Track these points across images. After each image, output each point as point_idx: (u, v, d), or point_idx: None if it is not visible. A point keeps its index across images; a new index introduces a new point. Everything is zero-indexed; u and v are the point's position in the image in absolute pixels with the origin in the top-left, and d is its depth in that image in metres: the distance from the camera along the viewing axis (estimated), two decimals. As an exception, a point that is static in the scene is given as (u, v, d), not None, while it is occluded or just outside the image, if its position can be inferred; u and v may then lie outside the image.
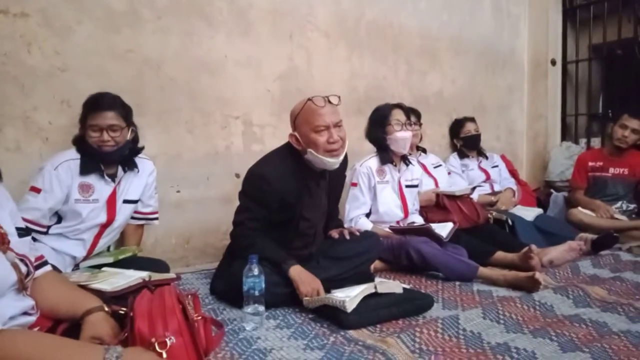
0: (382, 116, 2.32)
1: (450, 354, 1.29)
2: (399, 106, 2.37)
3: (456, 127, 3.30)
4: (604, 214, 2.74)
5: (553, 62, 3.88)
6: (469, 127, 3.23)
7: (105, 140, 1.70)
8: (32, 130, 1.96)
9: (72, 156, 1.75)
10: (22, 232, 1.16)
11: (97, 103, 1.72)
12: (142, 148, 1.90)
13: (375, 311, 1.50)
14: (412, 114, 2.68)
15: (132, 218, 1.95)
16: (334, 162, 1.72)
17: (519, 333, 1.43)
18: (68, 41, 2.01)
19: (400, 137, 2.27)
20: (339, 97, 1.72)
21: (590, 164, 3.00)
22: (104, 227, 1.80)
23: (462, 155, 3.25)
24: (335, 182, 1.93)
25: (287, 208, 1.73)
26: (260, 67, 2.57)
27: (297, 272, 1.63)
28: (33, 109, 1.95)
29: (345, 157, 1.88)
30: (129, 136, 1.79)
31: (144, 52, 2.21)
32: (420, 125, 2.89)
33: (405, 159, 2.40)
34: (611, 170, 2.91)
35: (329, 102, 1.69)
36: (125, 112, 1.78)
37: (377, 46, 3.05)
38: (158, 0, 2.24)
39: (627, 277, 2.00)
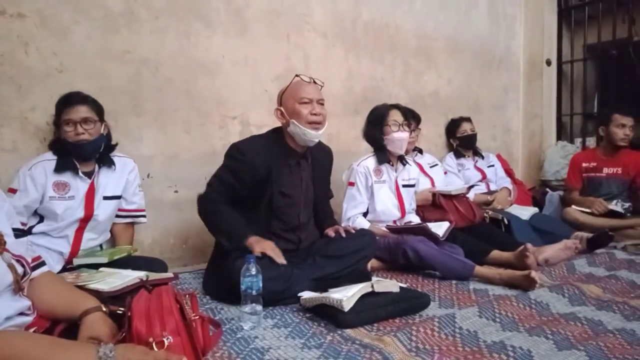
0: (379, 116, 2.33)
1: (447, 352, 1.30)
2: (397, 107, 2.38)
3: (452, 127, 3.32)
4: (599, 208, 2.74)
5: (548, 62, 3.91)
6: (465, 127, 3.25)
7: (79, 132, 1.75)
8: (29, 130, 1.96)
9: (48, 157, 1.79)
10: (19, 232, 1.16)
11: (69, 99, 1.78)
12: (116, 145, 1.93)
13: (372, 310, 1.50)
14: (412, 119, 2.66)
15: (119, 216, 1.96)
16: (314, 135, 1.81)
17: (514, 331, 1.44)
18: (65, 42, 2.01)
19: (397, 137, 2.28)
20: (323, 82, 1.88)
21: (584, 164, 3.01)
22: (84, 221, 1.81)
23: (458, 155, 3.27)
24: (319, 169, 1.98)
25: (259, 183, 1.79)
26: (258, 67, 2.57)
27: (252, 239, 1.70)
28: (30, 110, 1.95)
29: (330, 149, 2.03)
30: (102, 130, 1.84)
31: (141, 53, 2.21)
32: (419, 130, 2.89)
33: (402, 159, 2.41)
34: (605, 170, 2.93)
35: (314, 82, 1.83)
36: (97, 107, 1.83)
37: (374, 46, 3.06)
38: (155, 1, 2.24)
39: (622, 275, 2.02)
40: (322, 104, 1.84)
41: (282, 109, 1.85)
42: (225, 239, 1.76)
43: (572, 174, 3.06)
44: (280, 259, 1.69)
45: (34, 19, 1.94)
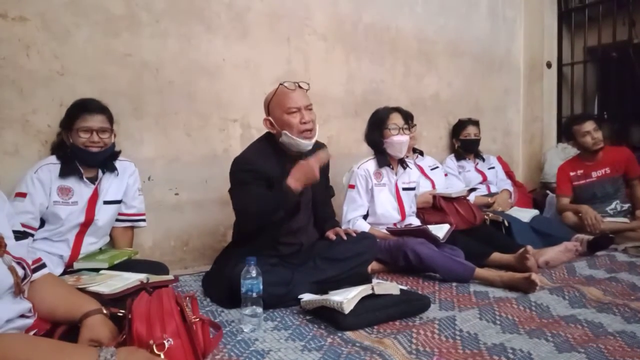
0: (380, 119, 2.33)
1: (447, 354, 1.30)
2: (398, 110, 2.37)
3: (458, 128, 3.30)
4: (591, 226, 2.62)
5: (549, 65, 3.91)
6: (470, 131, 3.24)
7: (95, 141, 1.76)
8: (31, 133, 1.96)
9: (52, 161, 1.79)
10: (20, 235, 1.16)
11: (87, 106, 1.78)
12: (119, 152, 1.93)
13: (373, 312, 1.50)
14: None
15: (118, 220, 1.95)
16: (307, 144, 1.80)
17: (515, 334, 1.44)
18: (67, 45, 2.02)
19: (397, 141, 2.28)
20: (309, 83, 1.83)
21: (571, 174, 2.96)
22: (84, 226, 1.81)
23: (459, 157, 3.27)
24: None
25: (270, 186, 1.76)
26: (258, 70, 2.58)
27: (289, 182, 1.67)
28: (32, 113, 1.96)
29: (324, 146, 1.97)
30: (112, 140, 1.85)
31: (142, 56, 2.22)
32: (415, 126, 2.89)
33: (402, 162, 2.41)
34: (594, 174, 2.90)
35: (299, 87, 1.80)
36: (111, 117, 1.84)
37: (375, 49, 3.07)
38: (156, 4, 2.25)
39: (622, 277, 2.01)
40: (310, 109, 1.80)
41: (270, 119, 1.82)
42: (281, 208, 1.70)
43: (561, 183, 2.99)
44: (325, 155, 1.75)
45: (35, 22, 1.95)
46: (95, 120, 1.76)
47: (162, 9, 2.27)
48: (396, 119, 2.31)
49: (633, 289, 1.89)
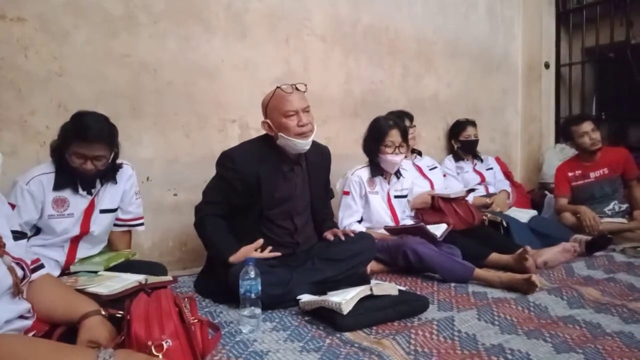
0: (379, 133, 2.31)
1: (445, 355, 1.31)
2: (397, 126, 2.33)
3: (456, 129, 3.30)
4: (590, 227, 2.63)
5: (547, 65, 3.92)
6: (470, 132, 3.24)
7: (88, 168, 1.67)
8: (29, 134, 1.96)
9: (46, 170, 1.70)
10: (18, 235, 1.16)
11: (85, 134, 1.62)
12: (121, 164, 1.83)
13: (371, 313, 1.50)
14: (406, 117, 2.70)
15: (115, 225, 1.90)
16: (304, 144, 1.79)
17: (513, 334, 1.44)
18: (65, 46, 2.02)
19: (391, 160, 2.28)
20: (306, 84, 1.82)
21: (569, 174, 2.96)
22: (79, 237, 1.76)
23: (457, 158, 3.27)
24: (315, 173, 1.96)
25: (251, 190, 1.79)
26: (257, 71, 2.58)
27: (234, 258, 1.70)
28: (30, 114, 1.96)
29: (326, 149, 2.02)
30: (111, 159, 1.74)
31: (141, 57, 2.22)
32: (415, 127, 2.90)
33: (396, 172, 2.40)
34: (592, 174, 2.90)
35: (296, 89, 1.79)
36: (112, 139, 1.71)
37: (373, 50, 3.07)
38: (155, 4, 2.25)
39: (620, 278, 2.02)
40: (308, 111, 1.80)
41: (268, 121, 1.82)
42: (214, 254, 1.80)
43: (560, 183, 2.99)
44: (269, 254, 1.75)
45: (33, 23, 1.95)
46: (92, 149, 1.64)
47: (160, 9, 2.27)
48: (394, 137, 2.28)
49: (631, 290, 1.89)
